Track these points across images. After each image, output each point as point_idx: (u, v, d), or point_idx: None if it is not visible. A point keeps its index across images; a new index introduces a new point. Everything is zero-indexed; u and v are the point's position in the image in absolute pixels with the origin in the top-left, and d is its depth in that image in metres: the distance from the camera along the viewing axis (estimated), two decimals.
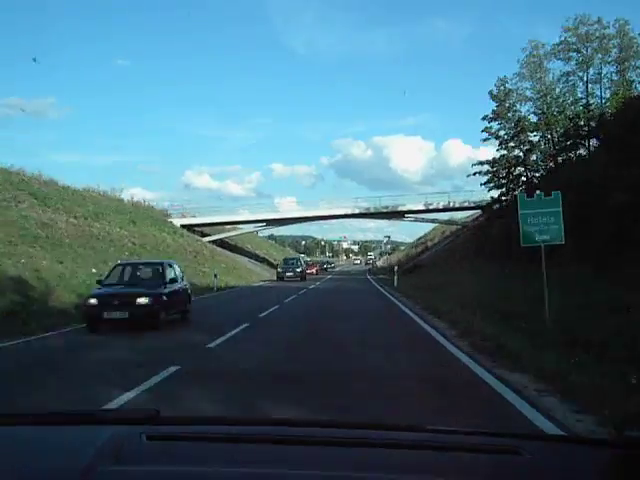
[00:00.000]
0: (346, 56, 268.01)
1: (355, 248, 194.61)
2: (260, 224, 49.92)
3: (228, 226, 52.66)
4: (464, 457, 1.38)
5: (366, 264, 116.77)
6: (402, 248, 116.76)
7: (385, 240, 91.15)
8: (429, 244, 58.27)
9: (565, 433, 3.78)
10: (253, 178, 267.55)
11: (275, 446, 1.43)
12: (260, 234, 67.14)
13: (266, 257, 60.49)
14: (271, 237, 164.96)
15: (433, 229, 63.60)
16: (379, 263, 74.50)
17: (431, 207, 47.32)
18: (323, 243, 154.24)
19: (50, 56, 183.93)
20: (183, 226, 46.23)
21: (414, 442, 1.46)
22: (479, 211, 42.42)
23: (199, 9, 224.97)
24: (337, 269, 73.55)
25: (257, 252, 60.01)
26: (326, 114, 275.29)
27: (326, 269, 67.70)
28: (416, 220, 50.06)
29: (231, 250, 50.86)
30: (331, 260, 61.84)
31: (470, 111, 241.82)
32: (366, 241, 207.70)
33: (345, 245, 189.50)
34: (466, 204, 46.53)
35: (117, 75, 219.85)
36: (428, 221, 51.18)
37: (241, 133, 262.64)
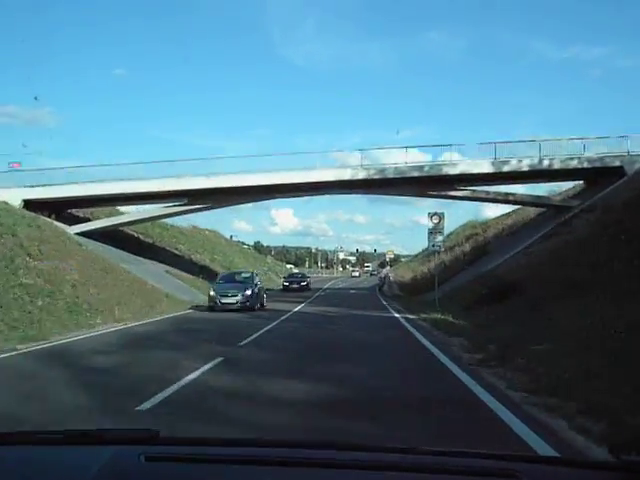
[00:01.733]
0: (344, 68, 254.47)
1: (352, 259, 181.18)
2: (178, 201, 26.58)
3: (124, 207, 29.55)
4: None
5: (371, 275, 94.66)
6: (403, 260, 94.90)
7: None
8: (487, 237, 34.61)
9: (561, 455, 3.56)
10: None
11: (275, 468, 1.45)
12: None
13: (208, 266, 37.22)
14: (257, 246, 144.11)
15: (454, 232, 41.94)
16: (391, 276, 51.30)
17: (505, 170, 24.53)
18: (314, 251, 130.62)
19: (47, 65, 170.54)
20: (29, 203, 23.66)
21: (410, 465, 1.47)
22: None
23: (196, 20, 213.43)
24: (327, 285, 49.58)
25: (193, 256, 36.81)
26: (323, 126, 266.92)
27: (292, 286, 37.26)
28: (475, 197, 26.88)
29: (138, 251, 28.07)
30: (302, 275, 35.06)
31: (467, 123, 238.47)
32: (364, 252, 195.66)
33: (342, 256, 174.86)
34: (576, 164, 23.91)
35: (114, 85, 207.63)
36: (499, 200, 27.98)
37: (240, 144, 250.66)
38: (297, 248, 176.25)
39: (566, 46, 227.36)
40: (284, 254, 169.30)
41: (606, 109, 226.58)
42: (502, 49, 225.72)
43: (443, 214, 18.05)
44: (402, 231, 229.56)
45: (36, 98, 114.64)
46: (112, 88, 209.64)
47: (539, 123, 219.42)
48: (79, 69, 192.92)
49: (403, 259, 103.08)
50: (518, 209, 37.87)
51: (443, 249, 20.43)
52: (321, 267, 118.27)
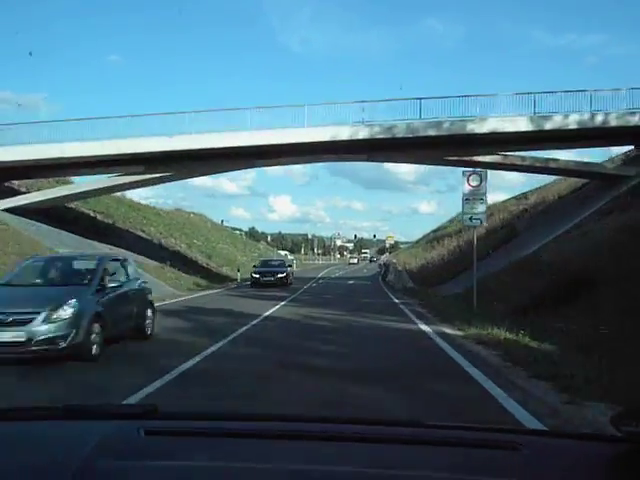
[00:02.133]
0: (341, 55, 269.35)
1: (350, 246, 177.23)
2: (135, 169, 20.98)
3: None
4: (463, 452, 1.39)
5: (370, 261, 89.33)
6: (402, 247, 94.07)
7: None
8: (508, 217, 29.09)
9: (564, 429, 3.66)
10: (247, 177, 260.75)
11: (274, 441, 1.44)
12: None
13: (183, 252, 31.84)
14: (252, 232, 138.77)
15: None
16: (396, 263, 46.05)
17: (547, 128, 19.12)
18: (310, 237, 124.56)
19: (43, 52, 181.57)
20: None
21: (413, 437, 1.47)
22: None
23: (192, 6, 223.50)
24: (321, 274, 43.74)
25: (165, 241, 31.38)
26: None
27: (265, 280, 26.18)
28: (507, 165, 21.22)
29: (94, 233, 22.86)
30: (280, 262, 28.54)
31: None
32: (362, 239, 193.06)
33: (339, 242, 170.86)
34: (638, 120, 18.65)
35: (109, 73, 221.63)
36: (537, 168, 22.20)
37: None
38: (294, 235, 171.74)
39: (561, 33, 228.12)
40: (280, 240, 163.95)
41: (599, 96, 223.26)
42: (500, 36, 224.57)
43: (485, 174, 12.61)
44: (400, 218, 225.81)
45: (30, 54, 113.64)
46: (107, 76, 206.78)
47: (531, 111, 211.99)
48: (76, 57, 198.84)
49: (402, 246, 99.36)
50: (539, 188, 33.03)
51: (485, 223, 14.92)
52: (317, 254, 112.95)
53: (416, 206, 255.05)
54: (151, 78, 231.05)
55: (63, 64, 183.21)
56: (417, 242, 73.62)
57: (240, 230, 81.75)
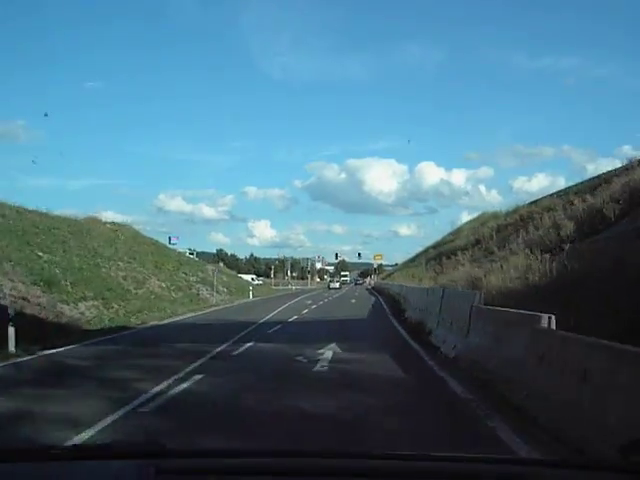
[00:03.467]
0: (321, 80, 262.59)
1: (331, 269, 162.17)
2: None
3: None
4: None
5: (356, 284, 73.56)
6: (386, 269, 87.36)
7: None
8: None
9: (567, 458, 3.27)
10: (227, 201, 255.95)
11: (284, 478, 1.46)
12: None
13: None
14: (219, 253, 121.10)
15: None
16: (402, 285, 28.78)
17: None
18: (282, 258, 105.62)
19: (18, 77, 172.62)
20: None
21: (418, 471, 1.47)
22: None
23: (169, 28, 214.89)
24: (279, 310, 26.76)
25: None
26: (300, 138, 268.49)
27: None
28: None
29: None
30: None
31: (443, 134, 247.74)
32: (343, 261, 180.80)
33: (319, 265, 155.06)
34: None
35: (88, 98, 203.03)
36: None
37: (216, 157, 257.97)
38: (269, 259, 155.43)
39: (538, 58, 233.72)
40: (252, 264, 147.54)
41: (579, 118, 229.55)
42: (477, 61, 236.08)
43: None
44: (380, 241, 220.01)
45: (46, 114, 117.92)
46: (86, 101, 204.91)
47: (512, 133, 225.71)
48: (52, 82, 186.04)
49: (386, 268, 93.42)
50: None
51: None
52: (292, 277, 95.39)
53: (396, 229, 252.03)
54: (132, 97, 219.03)
55: (39, 88, 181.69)
56: (413, 260, 64.78)
57: (193, 251, 64.29)
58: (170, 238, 64.27)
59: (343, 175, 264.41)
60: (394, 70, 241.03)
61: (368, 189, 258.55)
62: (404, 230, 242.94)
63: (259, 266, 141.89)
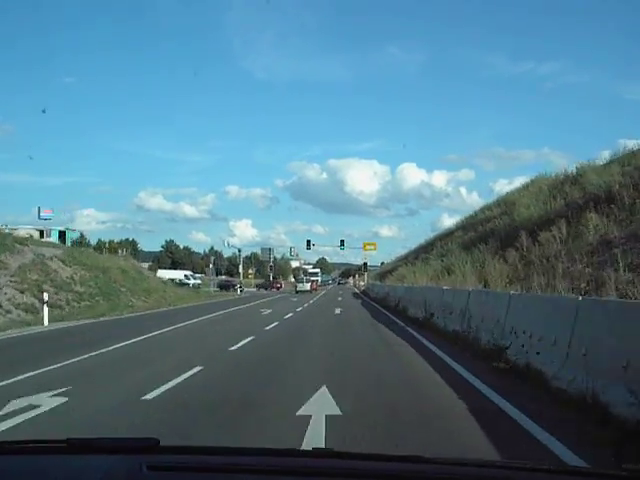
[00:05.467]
0: (303, 81, 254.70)
1: (309, 268, 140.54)
2: None
3: None
4: None
5: (339, 284, 74.70)
6: (371, 269, 73.34)
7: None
8: None
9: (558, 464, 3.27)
10: (208, 200, 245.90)
11: (274, 477, 1.45)
12: None
13: None
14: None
15: None
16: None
17: None
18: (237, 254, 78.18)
19: None
20: None
21: (411, 473, 1.46)
22: None
23: (150, 27, 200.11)
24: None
25: None
26: (282, 137, 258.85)
27: None
28: None
29: None
30: None
31: (424, 136, 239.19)
32: (323, 258, 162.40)
33: (295, 264, 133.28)
34: None
35: (63, 94, 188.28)
36: None
37: (197, 155, 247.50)
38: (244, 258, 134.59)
39: (519, 61, 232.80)
40: (232, 262, 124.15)
41: (559, 122, 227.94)
42: (459, 63, 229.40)
43: None
44: (361, 242, 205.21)
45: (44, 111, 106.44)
46: (62, 97, 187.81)
47: (492, 136, 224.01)
48: (29, 80, 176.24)
49: (371, 268, 78.06)
50: None
51: None
52: (254, 276, 71.24)
53: (377, 230, 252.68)
54: (113, 95, 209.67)
55: (13, 86, 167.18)
56: (407, 257, 50.48)
57: (67, 229, 40.68)
58: (40, 209, 40.26)
59: (324, 175, 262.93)
60: (376, 71, 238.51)
61: (349, 190, 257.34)
62: (385, 231, 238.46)
63: (222, 262, 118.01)
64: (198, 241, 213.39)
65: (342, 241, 61.28)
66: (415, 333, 11.97)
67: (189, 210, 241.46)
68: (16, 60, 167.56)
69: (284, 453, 1.72)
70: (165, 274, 56.38)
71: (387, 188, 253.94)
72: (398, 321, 15.77)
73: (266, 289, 62.12)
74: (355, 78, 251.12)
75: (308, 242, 60.73)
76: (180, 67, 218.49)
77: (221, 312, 21.88)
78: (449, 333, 10.70)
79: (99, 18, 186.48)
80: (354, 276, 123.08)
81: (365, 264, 61.70)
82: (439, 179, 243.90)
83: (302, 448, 2.02)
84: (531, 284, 14.51)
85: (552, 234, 20.05)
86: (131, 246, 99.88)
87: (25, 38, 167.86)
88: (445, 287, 12.47)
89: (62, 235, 37.35)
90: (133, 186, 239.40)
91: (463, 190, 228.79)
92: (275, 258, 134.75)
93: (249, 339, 11.36)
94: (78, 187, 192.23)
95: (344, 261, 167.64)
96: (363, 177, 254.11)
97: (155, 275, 41.48)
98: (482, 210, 39.43)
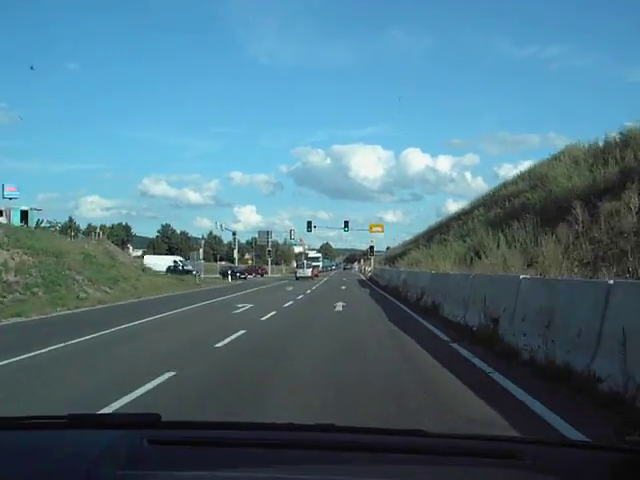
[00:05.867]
0: (307, 66, 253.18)
1: (313, 254, 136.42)
2: None
3: None
4: (464, 461, 1.36)
5: (344, 269, 72.46)
6: (377, 254, 65.65)
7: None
8: None
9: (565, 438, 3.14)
10: (212, 186, 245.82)
11: (275, 450, 1.42)
12: None
13: None
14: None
15: None
16: None
17: None
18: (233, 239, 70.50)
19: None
20: None
21: (413, 447, 1.43)
22: None
23: (154, 13, 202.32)
24: None
25: None
26: (286, 123, 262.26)
27: None
28: None
29: None
30: None
31: (429, 120, 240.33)
32: (327, 243, 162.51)
33: (298, 250, 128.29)
34: None
35: (68, 81, 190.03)
36: None
37: (200, 142, 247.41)
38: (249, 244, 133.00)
39: (524, 45, 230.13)
40: (212, 245, 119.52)
41: (565, 106, 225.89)
42: (463, 48, 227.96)
43: None
44: (364, 231, 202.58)
45: (32, 67, 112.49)
46: (69, 85, 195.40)
47: (497, 120, 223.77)
48: (35, 67, 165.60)
49: (376, 253, 72.47)
50: None
51: None
52: (252, 261, 65.99)
53: (382, 215, 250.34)
54: (117, 82, 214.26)
55: (19, 73, 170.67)
56: (422, 237, 44.90)
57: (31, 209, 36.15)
58: (3, 187, 35.69)
59: (329, 161, 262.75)
60: (380, 56, 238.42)
61: (354, 175, 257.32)
62: (389, 217, 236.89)
63: (220, 247, 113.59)
64: (202, 227, 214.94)
65: (346, 222, 56.09)
66: (484, 366, 6.81)
67: (193, 196, 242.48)
68: (19, 47, 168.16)
69: (284, 427, 1.62)
70: (153, 260, 51.88)
71: (391, 173, 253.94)
72: (436, 331, 10.37)
73: (240, 276, 48.66)
74: (359, 63, 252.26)
75: (309, 223, 55.51)
76: (184, 54, 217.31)
77: (187, 307, 17.21)
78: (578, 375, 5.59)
79: (103, 5, 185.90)
80: (359, 261, 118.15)
81: (372, 247, 56.70)
82: (444, 164, 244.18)
83: (305, 423, 1.55)
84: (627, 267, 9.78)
85: (621, 204, 15.22)
86: (124, 231, 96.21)
87: (28, 25, 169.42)
88: (523, 276, 7.58)
89: (24, 215, 32.68)
90: (137, 173, 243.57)
91: (468, 175, 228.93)
92: (277, 243, 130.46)
93: (166, 376, 6.54)
94: (81, 174, 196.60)
95: (348, 247, 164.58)
96: (367, 162, 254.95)
97: (135, 260, 36.81)
98: (503, 185, 34.79)
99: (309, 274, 48.62)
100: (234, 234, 62.90)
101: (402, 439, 1.51)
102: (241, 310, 15.73)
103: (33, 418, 1.68)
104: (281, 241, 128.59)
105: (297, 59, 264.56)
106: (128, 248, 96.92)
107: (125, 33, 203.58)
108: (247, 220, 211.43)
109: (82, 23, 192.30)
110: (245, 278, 48.53)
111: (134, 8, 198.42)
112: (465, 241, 23.92)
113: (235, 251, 56.96)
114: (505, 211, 26.45)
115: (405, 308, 16.05)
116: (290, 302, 18.71)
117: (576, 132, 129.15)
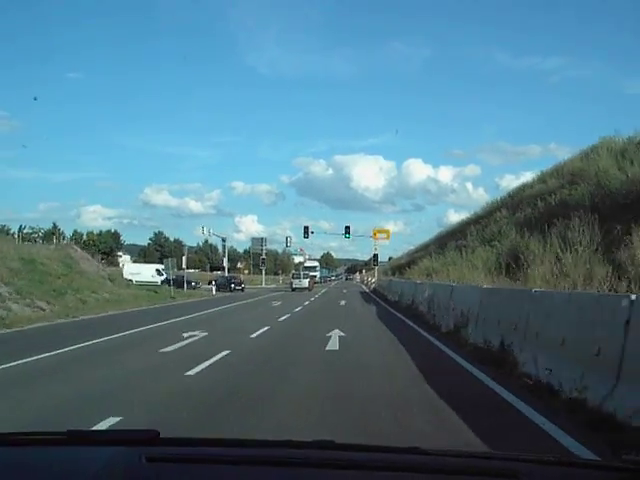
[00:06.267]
0: (308, 76, 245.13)
1: (310, 263, 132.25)
2: None
3: None
4: None
5: (346, 279, 70.61)
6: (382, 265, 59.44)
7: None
8: None
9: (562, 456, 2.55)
10: (213, 196, 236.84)
11: (274, 468, 1.43)
12: None
13: None
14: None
15: None
16: None
17: None
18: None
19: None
20: None
21: (413, 465, 1.43)
22: None
23: (155, 20, 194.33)
24: None
25: None
26: (287, 133, 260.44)
27: None
28: None
29: None
30: None
31: (430, 131, 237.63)
32: (328, 253, 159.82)
33: (298, 259, 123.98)
34: None
35: (72, 90, 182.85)
36: None
37: (202, 151, 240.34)
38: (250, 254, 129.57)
39: (523, 56, 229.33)
40: (206, 254, 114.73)
41: (565, 117, 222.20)
42: (463, 59, 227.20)
43: None
44: (367, 238, 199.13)
45: (35, 99, 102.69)
46: (69, 93, 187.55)
47: (498, 131, 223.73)
48: (35, 74, 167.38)
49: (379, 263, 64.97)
50: None
51: None
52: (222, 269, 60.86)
53: (383, 226, 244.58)
54: (118, 90, 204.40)
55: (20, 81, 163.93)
56: (431, 244, 40.61)
57: None
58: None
59: (330, 171, 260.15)
60: (380, 67, 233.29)
61: (355, 185, 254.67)
62: (391, 227, 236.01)
63: (215, 256, 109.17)
64: (201, 236, 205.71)
65: (347, 227, 51.32)
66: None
67: (195, 206, 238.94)
68: (18, 55, 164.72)
69: (283, 444, 1.65)
70: (136, 269, 47.24)
71: (393, 184, 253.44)
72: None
73: (235, 287, 43.66)
74: (360, 73, 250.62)
75: (306, 229, 50.87)
76: (184, 63, 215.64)
77: (128, 332, 12.54)
78: None
79: (104, 13, 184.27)
80: (361, 271, 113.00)
81: (375, 256, 51.92)
82: (445, 174, 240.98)
83: (305, 439, 1.54)
84: None
85: None
86: (113, 238, 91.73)
87: (29, 32, 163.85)
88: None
89: None
90: (139, 182, 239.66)
91: (469, 185, 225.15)
92: (277, 252, 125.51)
93: None
94: (82, 183, 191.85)
95: (350, 257, 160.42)
96: (369, 173, 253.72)
97: (104, 268, 32.11)
98: (530, 185, 30.40)
99: (306, 285, 43.95)
100: (224, 240, 58.31)
101: (399, 457, 1.51)
102: (175, 347, 10.18)
103: (31, 434, 1.67)
104: (281, 251, 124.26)
105: (298, 69, 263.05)
106: (119, 256, 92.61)
107: (126, 41, 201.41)
108: (248, 230, 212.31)
109: (83, 31, 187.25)
110: (242, 290, 43.67)
111: (135, 16, 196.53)
112: (493, 246, 19.30)
113: (225, 259, 52.12)
114: (539, 210, 21.96)
115: (447, 351, 9.45)
116: (264, 328, 13.25)
117: (578, 143, 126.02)
